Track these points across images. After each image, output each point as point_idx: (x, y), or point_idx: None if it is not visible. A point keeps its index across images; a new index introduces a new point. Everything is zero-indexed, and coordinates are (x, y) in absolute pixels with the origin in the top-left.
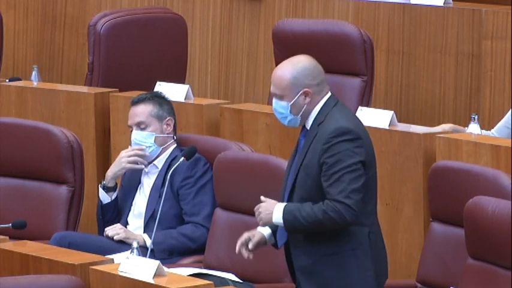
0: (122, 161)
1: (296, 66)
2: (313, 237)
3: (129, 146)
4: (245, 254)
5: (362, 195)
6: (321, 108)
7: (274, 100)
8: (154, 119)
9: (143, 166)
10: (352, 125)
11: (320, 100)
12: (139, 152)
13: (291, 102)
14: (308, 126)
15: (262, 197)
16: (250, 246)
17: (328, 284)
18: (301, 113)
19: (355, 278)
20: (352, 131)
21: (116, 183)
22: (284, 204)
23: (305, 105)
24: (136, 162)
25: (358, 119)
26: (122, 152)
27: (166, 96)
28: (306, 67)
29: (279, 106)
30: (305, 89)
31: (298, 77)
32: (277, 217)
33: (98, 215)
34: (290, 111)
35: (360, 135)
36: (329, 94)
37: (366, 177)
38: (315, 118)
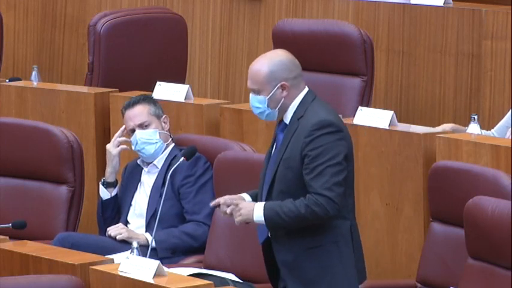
0: (109, 152)
1: (272, 60)
2: (295, 231)
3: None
4: (224, 209)
5: (344, 188)
6: (300, 102)
7: (251, 95)
8: (154, 117)
9: (127, 147)
10: (334, 118)
11: (298, 94)
12: (121, 139)
13: (268, 96)
14: (287, 120)
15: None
16: (228, 210)
17: (312, 277)
18: (278, 106)
19: (338, 269)
20: (334, 123)
21: (116, 180)
22: (264, 202)
23: (282, 99)
24: (120, 146)
25: (336, 113)
26: (106, 146)
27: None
28: (283, 61)
29: (256, 101)
30: (282, 83)
31: (275, 71)
32: (258, 215)
33: (98, 212)
34: (267, 105)
35: (341, 128)
36: (307, 89)
37: (347, 171)
38: (294, 112)
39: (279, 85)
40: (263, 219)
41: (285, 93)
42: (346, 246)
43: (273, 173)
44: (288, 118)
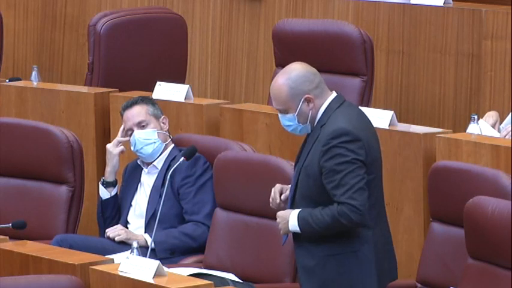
0: (109, 151)
1: (290, 76)
2: (317, 238)
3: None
4: (278, 200)
5: (367, 193)
6: (325, 110)
7: (280, 115)
8: (153, 118)
9: (124, 148)
10: (352, 126)
11: (324, 102)
12: (121, 139)
13: (296, 113)
14: (313, 127)
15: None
16: (283, 197)
17: (329, 285)
18: (308, 119)
19: (356, 279)
20: (350, 132)
21: (116, 180)
22: (297, 211)
23: (310, 111)
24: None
25: (362, 119)
26: (107, 146)
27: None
28: (300, 74)
29: (286, 120)
30: (306, 96)
31: (295, 87)
32: (293, 225)
33: (98, 212)
34: (298, 121)
35: (358, 137)
36: (334, 95)
37: (369, 179)
38: (318, 120)
39: (303, 99)
40: (298, 229)
41: (311, 105)
42: (366, 256)
43: (296, 179)
44: (313, 125)
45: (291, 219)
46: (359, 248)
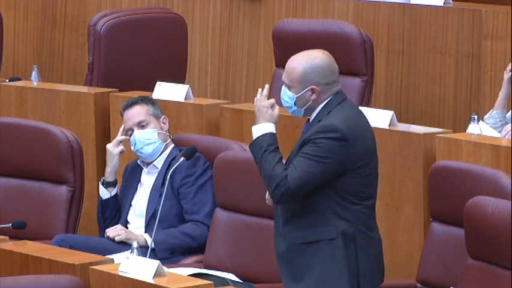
0: (109, 151)
1: (310, 61)
2: (293, 224)
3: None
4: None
5: (309, 187)
6: (324, 105)
7: (283, 87)
8: (153, 117)
9: (124, 148)
10: (343, 125)
11: (327, 98)
12: (121, 138)
13: (297, 95)
14: (311, 120)
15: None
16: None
17: (302, 272)
18: (305, 107)
19: (328, 268)
20: (339, 130)
21: (116, 179)
22: (268, 134)
23: (310, 101)
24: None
25: (359, 118)
26: (107, 146)
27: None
28: (319, 65)
29: (286, 95)
30: (312, 86)
31: (308, 73)
32: (256, 133)
33: (98, 212)
34: (295, 103)
35: (347, 137)
36: (336, 91)
37: (365, 173)
38: (316, 114)
39: (309, 88)
40: (253, 138)
41: (314, 96)
42: (341, 247)
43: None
44: (312, 118)
45: (259, 128)
46: (336, 237)
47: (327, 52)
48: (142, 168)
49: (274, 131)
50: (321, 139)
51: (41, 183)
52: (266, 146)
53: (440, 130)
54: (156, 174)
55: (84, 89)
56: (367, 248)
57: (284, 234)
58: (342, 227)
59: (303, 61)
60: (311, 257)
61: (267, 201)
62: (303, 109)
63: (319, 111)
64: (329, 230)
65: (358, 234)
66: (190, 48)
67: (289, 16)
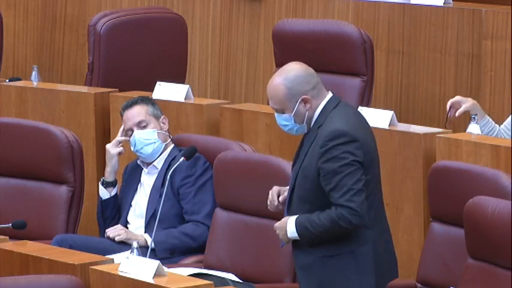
0: (109, 151)
1: (288, 76)
2: (316, 242)
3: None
4: (276, 202)
5: (365, 194)
6: (321, 111)
7: (276, 115)
8: (153, 118)
9: (123, 150)
10: (348, 127)
11: (320, 103)
12: (120, 138)
13: (293, 113)
14: (311, 125)
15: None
16: (281, 199)
17: (326, 285)
18: (305, 120)
19: (353, 280)
20: (347, 133)
21: (116, 180)
22: (294, 218)
23: (307, 112)
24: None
25: (359, 119)
26: (106, 146)
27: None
28: (297, 74)
29: (282, 119)
30: (303, 97)
31: (292, 87)
32: (292, 232)
33: (97, 212)
34: (294, 122)
35: (356, 138)
36: (329, 95)
37: (366, 179)
38: (315, 121)
39: (300, 100)
40: (297, 236)
41: (307, 106)
42: (364, 256)
43: (293, 181)
44: (310, 126)
45: (289, 227)
46: (357, 247)
47: (297, 62)
48: (142, 169)
49: (295, 217)
50: (335, 149)
51: (41, 183)
52: (308, 225)
53: (440, 130)
54: (156, 175)
55: (84, 89)
56: (385, 247)
57: (306, 249)
58: (362, 236)
59: (281, 80)
60: (334, 268)
61: (269, 207)
62: (304, 123)
63: (317, 117)
64: (350, 241)
65: (376, 237)
66: (190, 48)
67: (289, 16)
